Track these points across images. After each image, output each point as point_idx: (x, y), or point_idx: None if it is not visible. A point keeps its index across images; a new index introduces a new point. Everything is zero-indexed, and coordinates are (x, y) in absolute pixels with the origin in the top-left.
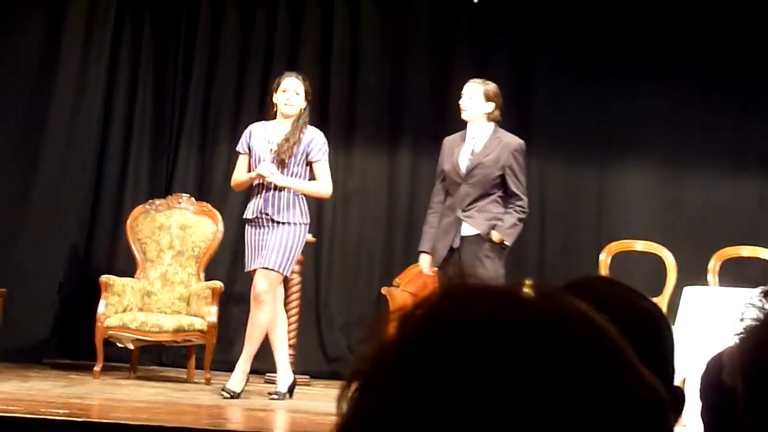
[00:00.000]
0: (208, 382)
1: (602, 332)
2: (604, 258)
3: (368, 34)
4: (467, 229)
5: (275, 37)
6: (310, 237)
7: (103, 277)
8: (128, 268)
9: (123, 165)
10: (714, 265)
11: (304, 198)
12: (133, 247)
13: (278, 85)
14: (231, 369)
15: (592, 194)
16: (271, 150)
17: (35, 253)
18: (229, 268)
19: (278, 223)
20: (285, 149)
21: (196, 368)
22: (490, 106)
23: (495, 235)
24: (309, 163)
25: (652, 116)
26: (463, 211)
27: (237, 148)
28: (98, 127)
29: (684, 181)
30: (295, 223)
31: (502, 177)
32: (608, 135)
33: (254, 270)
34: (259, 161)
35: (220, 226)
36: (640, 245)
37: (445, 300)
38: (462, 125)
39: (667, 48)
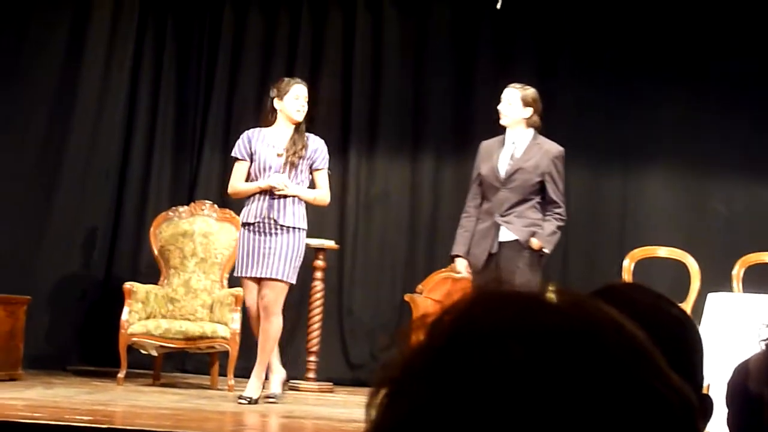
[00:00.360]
0: (231, 389)
1: (632, 338)
2: (628, 264)
3: (390, 40)
4: (505, 235)
5: (298, 42)
6: (332, 244)
7: (127, 284)
8: (151, 275)
9: (146, 172)
10: (738, 271)
11: (303, 203)
12: (157, 254)
13: (286, 92)
14: None
15: (615, 200)
16: (278, 154)
17: (59, 261)
18: None
19: (285, 228)
20: (293, 152)
21: (220, 375)
22: (528, 111)
23: (535, 242)
24: (311, 171)
25: (675, 122)
26: (502, 216)
27: (234, 155)
28: (121, 133)
29: (707, 187)
30: (300, 229)
31: (541, 183)
32: (631, 141)
33: (250, 277)
34: (266, 168)
35: None
36: (663, 251)
37: (473, 306)
38: (482, 131)
39: (689, 54)
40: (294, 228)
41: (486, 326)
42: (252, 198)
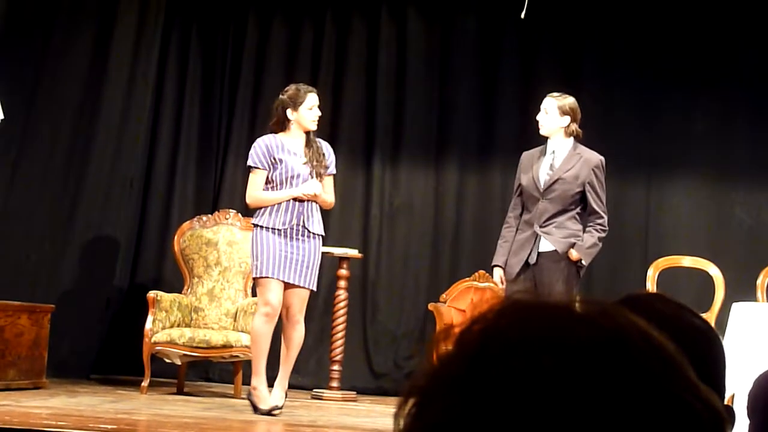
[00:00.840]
0: (247, 397)
1: (661, 349)
2: (652, 274)
3: (414, 50)
4: (545, 245)
5: (321, 52)
6: (356, 253)
7: (151, 293)
8: (175, 284)
9: (170, 181)
10: (762, 281)
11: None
12: (181, 263)
13: (302, 101)
14: None
15: (639, 209)
16: (303, 162)
17: (83, 270)
18: None
19: (314, 235)
20: (317, 160)
21: (244, 384)
22: (566, 120)
23: (573, 254)
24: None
25: (700, 131)
26: (541, 226)
27: (253, 164)
28: (145, 143)
29: (731, 196)
30: (322, 236)
31: (582, 193)
32: (656, 150)
33: (278, 279)
34: (294, 175)
35: None
36: (687, 261)
37: (502, 316)
38: (506, 141)
39: (714, 63)
40: (319, 235)
41: (515, 336)
42: (279, 205)
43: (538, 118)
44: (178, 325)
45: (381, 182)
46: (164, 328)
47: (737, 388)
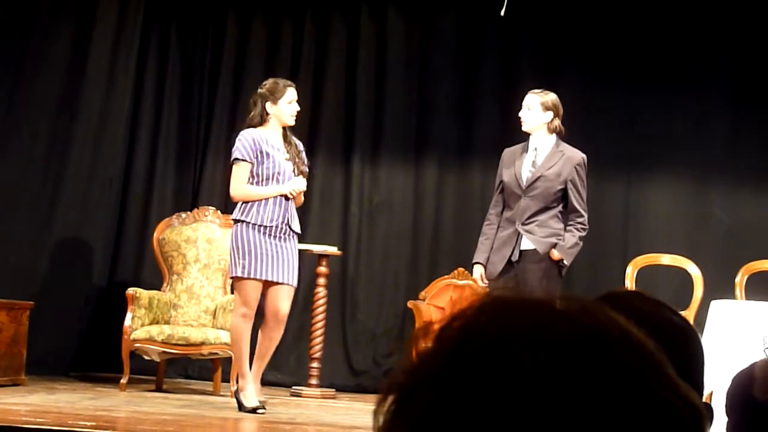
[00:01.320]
0: (234, 395)
1: (641, 346)
2: (631, 272)
3: (394, 49)
4: (526, 243)
5: (301, 51)
6: (335, 250)
7: (130, 290)
8: (154, 281)
9: (149, 178)
10: (741, 278)
11: None
12: (160, 260)
13: (281, 95)
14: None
15: (618, 208)
16: (286, 158)
17: (62, 267)
18: None
19: (294, 233)
20: (297, 156)
21: (222, 381)
22: (549, 116)
23: (555, 254)
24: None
25: (679, 130)
26: (523, 224)
27: (240, 156)
28: (125, 140)
29: (710, 196)
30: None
31: (564, 191)
32: (635, 149)
33: (258, 278)
34: (280, 171)
35: None
36: (666, 259)
37: (482, 312)
38: (486, 139)
39: (694, 62)
40: (298, 234)
41: (495, 333)
42: (266, 201)
43: (520, 114)
44: (157, 323)
45: (360, 180)
46: (143, 325)
47: (716, 386)
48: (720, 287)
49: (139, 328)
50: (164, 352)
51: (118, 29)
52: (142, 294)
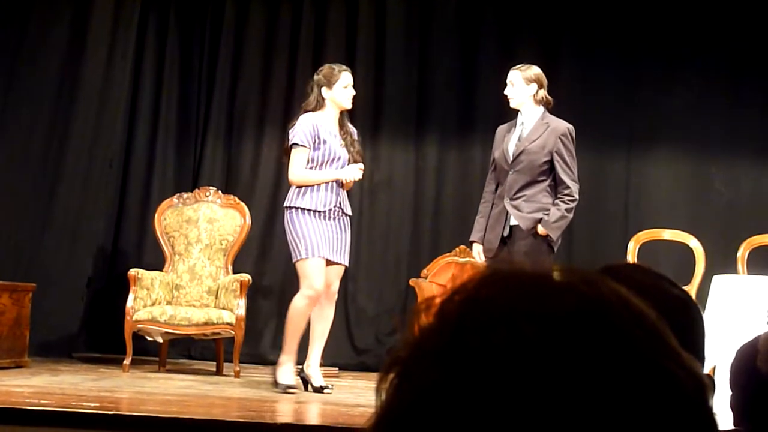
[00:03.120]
0: (237, 375)
1: (643, 317)
2: (633, 247)
3: (393, 26)
4: (515, 220)
5: (300, 30)
6: None
7: (132, 271)
8: (156, 262)
9: (150, 159)
10: (743, 253)
11: None
12: (161, 241)
13: (336, 81)
14: (259, 361)
15: (620, 183)
16: (341, 144)
17: (64, 249)
18: (257, 261)
19: (347, 216)
20: (351, 143)
21: (225, 361)
22: (533, 88)
23: (540, 230)
24: None
25: (680, 104)
26: (512, 199)
27: (299, 142)
28: (125, 122)
29: (711, 170)
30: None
31: (551, 163)
32: (636, 124)
33: (323, 258)
34: (336, 158)
35: (248, 219)
36: (668, 234)
37: (483, 286)
38: (486, 116)
39: (694, 36)
40: (350, 216)
41: (496, 306)
42: (318, 187)
43: (506, 92)
44: (160, 303)
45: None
46: (145, 306)
47: (719, 361)
48: (722, 262)
49: (142, 309)
50: (167, 332)
51: (117, 12)
52: (144, 275)
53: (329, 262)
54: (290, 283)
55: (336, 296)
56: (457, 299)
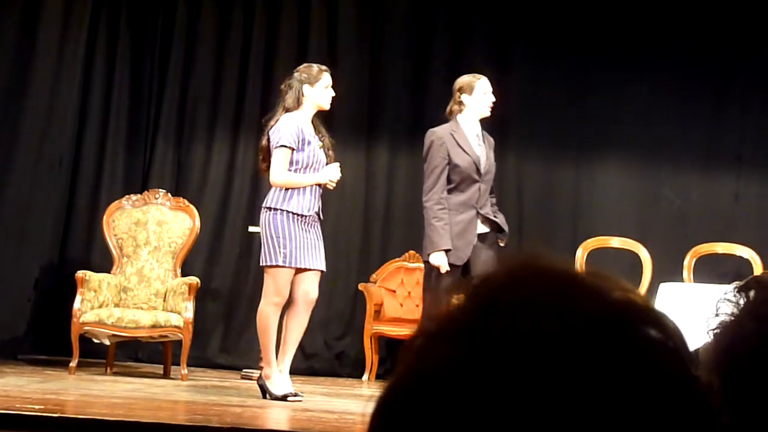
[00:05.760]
0: (184, 378)
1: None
2: (581, 254)
3: (345, 31)
4: (481, 227)
5: (252, 34)
6: None
7: (79, 273)
8: (105, 264)
9: (99, 160)
10: (689, 261)
11: None
12: (110, 243)
13: (318, 80)
14: (207, 365)
15: (568, 190)
16: (319, 146)
17: (11, 249)
18: (205, 264)
19: (321, 221)
20: (327, 144)
21: (173, 364)
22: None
23: (503, 239)
24: None
25: (629, 113)
26: (481, 209)
27: (287, 144)
28: (74, 123)
29: (660, 178)
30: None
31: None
32: (585, 131)
33: (294, 267)
34: (317, 160)
35: (197, 222)
36: (616, 242)
37: (518, 275)
38: (437, 121)
39: (643, 45)
40: (321, 220)
41: (526, 297)
42: (303, 190)
43: (492, 101)
44: (107, 305)
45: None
46: (93, 308)
47: None
48: (669, 269)
49: (89, 311)
50: (114, 335)
51: (67, 11)
52: (92, 277)
53: (306, 270)
54: (239, 286)
55: (313, 302)
56: (490, 284)
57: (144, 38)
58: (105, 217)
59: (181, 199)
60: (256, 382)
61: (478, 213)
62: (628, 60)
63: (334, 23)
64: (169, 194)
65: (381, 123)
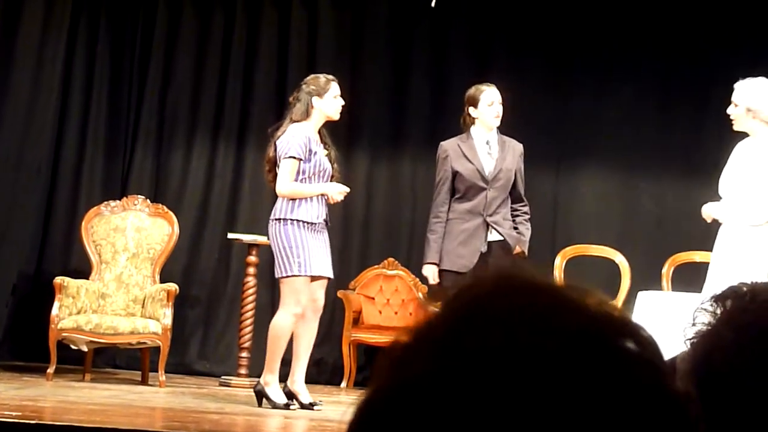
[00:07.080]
0: (162, 385)
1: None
2: (559, 262)
3: (326, 37)
4: (494, 235)
5: (232, 39)
6: (266, 240)
7: (58, 279)
8: (83, 270)
9: (78, 167)
10: (667, 269)
11: None
12: (88, 249)
13: (326, 91)
14: (185, 371)
15: (547, 198)
16: (326, 155)
17: None
18: (184, 270)
19: (327, 227)
20: (333, 155)
21: (151, 371)
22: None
23: (518, 249)
24: None
25: (608, 121)
26: (490, 215)
27: (296, 155)
28: (54, 127)
29: (639, 186)
30: None
31: (514, 181)
32: (564, 139)
33: (312, 276)
34: (324, 170)
35: (176, 228)
36: (595, 250)
37: (496, 286)
38: (416, 128)
39: (623, 53)
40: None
41: (503, 310)
42: (311, 199)
43: (498, 112)
44: (85, 312)
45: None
46: (71, 314)
47: None
48: (648, 277)
49: (67, 317)
50: (92, 341)
51: (47, 16)
52: (70, 283)
53: (317, 277)
54: (217, 293)
55: (321, 310)
56: (467, 295)
57: (123, 44)
58: (83, 223)
59: (160, 205)
60: (252, 389)
61: (485, 220)
62: (608, 68)
63: (314, 30)
64: (148, 200)
65: (361, 131)
